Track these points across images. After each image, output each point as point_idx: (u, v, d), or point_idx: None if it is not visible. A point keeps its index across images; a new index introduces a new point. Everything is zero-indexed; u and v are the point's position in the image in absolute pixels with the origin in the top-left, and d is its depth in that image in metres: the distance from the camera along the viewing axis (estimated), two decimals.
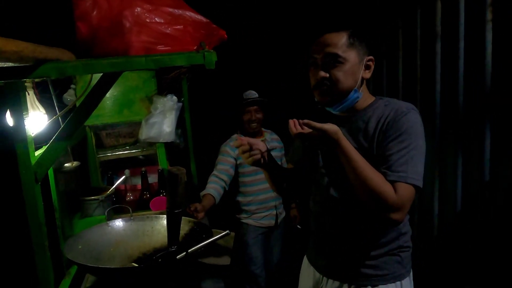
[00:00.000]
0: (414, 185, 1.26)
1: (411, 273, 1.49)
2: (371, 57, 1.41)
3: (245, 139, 1.44)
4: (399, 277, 1.44)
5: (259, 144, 1.47)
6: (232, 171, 2.67)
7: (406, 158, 1.27)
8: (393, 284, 1.43)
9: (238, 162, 2.70)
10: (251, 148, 1.44)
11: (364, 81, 1.43)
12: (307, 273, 1.61)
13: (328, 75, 1.35)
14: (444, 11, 2.15)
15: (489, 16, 1.85)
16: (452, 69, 2.09)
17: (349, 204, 1.41)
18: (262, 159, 1.46)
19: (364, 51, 1.39)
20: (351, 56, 1.35)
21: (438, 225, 2.25)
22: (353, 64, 1.36)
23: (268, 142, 2.80)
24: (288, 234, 2.98)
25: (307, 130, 1.28)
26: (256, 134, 2.76)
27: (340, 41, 1.35)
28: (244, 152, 1.44)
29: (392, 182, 1.25)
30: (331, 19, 3.06)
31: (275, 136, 2.91)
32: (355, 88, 1.38)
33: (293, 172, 1.67)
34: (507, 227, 1.80)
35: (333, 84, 1.36)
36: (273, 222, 2.80)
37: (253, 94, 2.78)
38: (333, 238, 1.48)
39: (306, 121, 1.27)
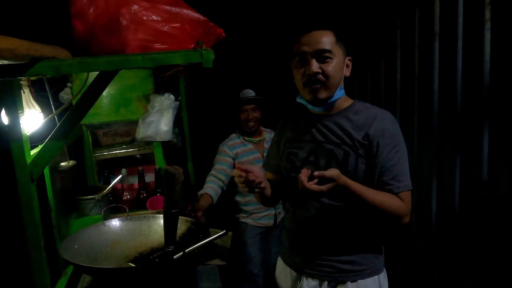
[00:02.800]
0: (410, 190, 1.41)
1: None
2: (350, 57, 1.48)
3: (243, 167, 1.38)
4: (377, 271, 1.48)
5: (255, 170, 1.40)
6: (230, 171, 2.65)
7: (404, 168, 1.39)
8: (371, 278, 1.47)
9: (236, 161, 2.69)
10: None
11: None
12: (284, 274, 1.61)
13: (321, 70, 1.38)
14: (442, 11, 2.15)
15: (487, 15, 1.85)
16: (450, 68, 2.08)
17: (328, 200, 1.45)
18: (259, 187, 1.40)
19: (345, 51, 1.45)
20: (339, 53, 1.41)
21: (436, 224, 2.25)
22: (340, 61, 1.41)
23: (267, 141, 2.79)
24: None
25: (316, 187, 1.25)
26: (254, 133, 2.75)
27: (329, 38, 1.39)
28: (241, 182, 1.39)
29: (397, 194, 1.37)
30: (319, 18, 3.05)
31: (272, 135, 2.88)
32: (340, 85, 1.44)
33: (279, 184, 1.65)
34: (505, 226, 1.80)
35: (326, 78, 1.39)
36: (271, 222, 2.78)
37: (250, 92, 2.75)
38: (310, 235, 1.50)
39: (318, 173, 1.25)
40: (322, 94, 1.40)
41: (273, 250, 2.85)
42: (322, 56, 1.38)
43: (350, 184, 1.30)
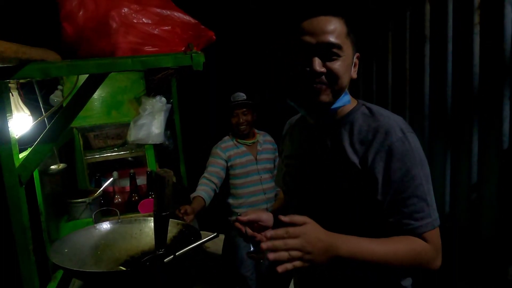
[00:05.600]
0: (438, 226, 1.07)
1: None
2: (358, 53, 1.15)
3: (245, 218, 1.21)
4: None
5: (262, 216, 1.23)
6: (222, 174, 2.66)
7: (425, 199, 1.05)
8: None
9: (229, 164, 2.70)
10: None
11: None
12: None
13: (325, 69, 1.05)
14: (432, 14, 2.17)
15: (476, 19, 1.87)
16: (440, 71, 2.10)
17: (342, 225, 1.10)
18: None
19: (355, 45, 1.13)
20: (349, 49, 1.09)
21: None
22: (349, 58, 1.10)
23: (261, 144, 2.80)
24: None
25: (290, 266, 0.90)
26: (247, 136, 2.75)
27: (339, 29, 1.06)
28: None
29: (420, 234, 1.03)
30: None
31: (269, 138, 2.88)
32: (346, 90, 1.13)
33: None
34: (494, 229, 1.82)
35: (333, 81, 1.06)
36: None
37: (241, 96, 2.74)
38: (317, 270, 1.23)
39: (285, 218, 0.93)
40: (325, 97, 1.07)
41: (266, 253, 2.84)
42: (329, 51, 1.05)
43: (340, 244, 0.96)
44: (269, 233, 0.92)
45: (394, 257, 1.00)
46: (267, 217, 1.25)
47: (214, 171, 2.63)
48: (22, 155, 1.32)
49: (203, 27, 1.37)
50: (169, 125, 2.67)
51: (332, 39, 1.04)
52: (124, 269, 1.50)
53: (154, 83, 2.44)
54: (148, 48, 1.25)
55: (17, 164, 1.24)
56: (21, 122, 1.53)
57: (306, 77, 1.05)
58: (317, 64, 1.04)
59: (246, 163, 2.72)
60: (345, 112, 1.16)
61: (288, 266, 0.88)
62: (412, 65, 2.35)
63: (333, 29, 1.05)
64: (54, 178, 1.96)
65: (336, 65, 1.05)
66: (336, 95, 1.09)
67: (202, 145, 2.87)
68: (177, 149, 3.06)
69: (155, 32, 1.25)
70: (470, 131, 1.91)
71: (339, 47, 1.05)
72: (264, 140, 2.84)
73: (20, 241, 1.26)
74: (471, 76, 1.89)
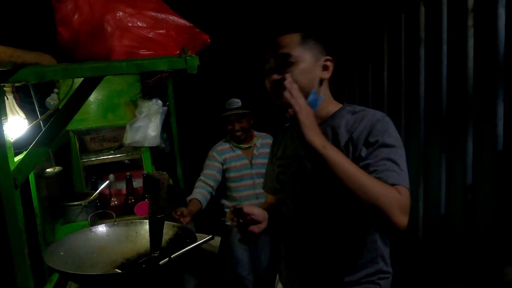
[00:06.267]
0: (408, 189, 1.13)
1: None
2: (329, 57, 1.30)
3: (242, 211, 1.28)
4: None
5: (255, 211, 1.29)
6: (218, 176, 2.67)
7: (398, 164, 1.14)
8: None
9: (224, 167, 2.70)
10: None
11: (326, 85, 1.33)
12: None
13: (281, 76, 1.21)
14: (427, 17, 2.18)
15: (470, 22, 1.88)
16: (435, 73, 2.11)
17: (320, 223, 1.30)
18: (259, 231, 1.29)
19: (320, 51, 1.29)
20: (305, 55, 1.25)
21: (423, 227, 2.27)
22: (308, 63, 1.25)
23: (257, 148, 2.78)
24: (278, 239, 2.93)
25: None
26: (244, 141, 2.75)
27: (291, 41, 1.26)
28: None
29: (392, 185, 1.11)
30: (284, 21, 3.05)
31: (267, 141, 2.78)
32: (314, 91, 1.26)
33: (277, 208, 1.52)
34: (489, 229, 1.82)
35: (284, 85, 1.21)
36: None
37: (235, 102, 2.69)
38: (304, 260, 1.36)
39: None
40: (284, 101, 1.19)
41: (262, 254, 2.83)
42: (283, 61, 1.24)
43: (327, 143, 1.09)
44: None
45: (366, 177, 1.08)
46: (258, 212, 1.30)
47: (210, 174, 2.64)
48: (17, 158, 1.32)
49: (198, 30, 1.37)
50: (165, 127, 2.67)
51: (284, 50, 1.25)
52: (120, 271, 1.50)
53: (149, 86, 2.44)
54: (143, 52, 1.25)
55: (12, 167, 1.24)
56: (16, 125, 1.53)
57: (270, 86, 1.27)
58: (273, 76, 1.25)
59: (241, 167, 2.72)
60: (330, 114, 1.31)
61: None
62: (407, 67, 2.36)
63: (286, 43, 1.26)
64: (50, 181, 1.95)
65: (290, 71, 1.22)
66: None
67: (199, 148, 2.86)
68: (174, 151, 3.06)
69: (150, 35, 1.26)
70: (465, 132, 1.92)
71: (290, 55, 1.24)
72: (262, 144, 2.81)
73: (15, 244, 1.26)
74: (465, 78, 1.91)
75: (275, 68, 1.26)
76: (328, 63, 1.29)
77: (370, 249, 1.29)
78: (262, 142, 2.81)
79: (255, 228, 1.28)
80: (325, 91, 1.32)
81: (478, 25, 1.85)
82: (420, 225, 2.27)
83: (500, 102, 1.74)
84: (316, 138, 1.08)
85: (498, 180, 1.78)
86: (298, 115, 1.09)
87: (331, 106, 1.33)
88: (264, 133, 2.85)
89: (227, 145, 2.75)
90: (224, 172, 2.70)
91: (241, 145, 2.75)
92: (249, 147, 2.77)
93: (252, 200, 2.71)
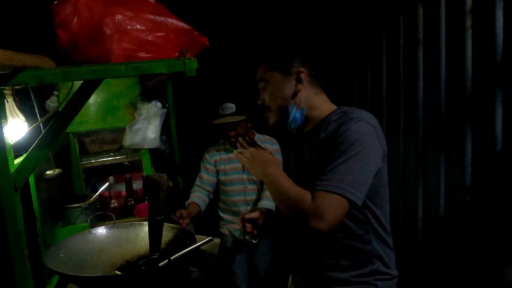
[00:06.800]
0: (338, 194, 1.15)
1: None
2: (299, 69, 1.36)
3: (247, 217, 1.54)
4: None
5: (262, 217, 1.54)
6: (213, 179, 2.61)
7: (333, 167, 1.19)
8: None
9: (216, 168, 2.63)
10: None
11: (310, 94, 1.39)
12: None
13: (261, 100, 1.42)
14: (425, 18, 2.19)
15: (468, 23, 1.89)
16: (434, 74, 2.12)
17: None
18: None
19: (288, 67, 1.37)
20: (273, 76, 1.39)
21: (423, 228, 2.27)
22: (276, 82, 1.38)
23: None
24: (277, 248, 2.77)
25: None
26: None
27: (262, 70, 1.42)
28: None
29: (313, 191, 1.18)
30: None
31: (267, 146, 2.58)
32: (291, 105, 1.36)
33: None
34: (488, 230, 1.83)
35: (268, 106, 1.41)
36: (244, 237, 2.61)
37: (229, 108, 2.48)
38: (304, 258, 1.44)
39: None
40: (271, 119, 1.42)
41: (259, 264, 2.72)
42: (260, 87, 1.43)
43: (270, 172, 1.30)
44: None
45: (288, 186, 1.24)
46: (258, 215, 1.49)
47: (205, 178, 2.60)
48: (17, 160, 1.33)
49: (196, 33, 1.38)
50: (165, 129, 2.68)
51: (257, 77, 1.43)
52: (119, 273, 1.51)
53: (148, 88, 2.44)
54: (142, 54, 1.26)
55: (12, 169, 1.25)
56: (16, 128, 1.53)
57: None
58: (258, 101, 1.44)
59: (231, 171, 2.60)
60: (323, 116, 1.37)
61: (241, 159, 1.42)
62: (406, 69, 2.37)
63: (259, 72, 1.43)
64: (50, 183, 1.96)
65: (265, 94, 1.41)
66: (276, 114, 1.40)
67: (199, 149, 2.85)
68: (173, 153, 3.07)
69: (149, 38, 1.27)
70: (464, 133, 1.93)
71: (262, 80, 1.41)
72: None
73: (15, 247, 1.26)
74: (464, 79, 1.91)
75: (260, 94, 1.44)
76: (301, 75, 1.36)
77: (365, 249, 1.31)
78: (262, 146, 2.68)
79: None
80: (307, 100, 1.38)
81: (476, 26, 1.85)
82: (419, 226, 2.28)
83: (498, 103, 1.75)
84: (257, 172, 1.35)
85: (496, 181, 1.78)
86: (244, 164, 1.40)
87: (324, 109, 1.39)
88: (267, 137, 2.67)
89: (221, 146, 2.65)
90: (217, 173, 2.63)
91: (235, 150, 2.61)
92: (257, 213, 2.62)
93: (242, 206, 2.60)
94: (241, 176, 2.59)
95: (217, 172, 2.62)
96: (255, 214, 1.53)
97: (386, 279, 1.33)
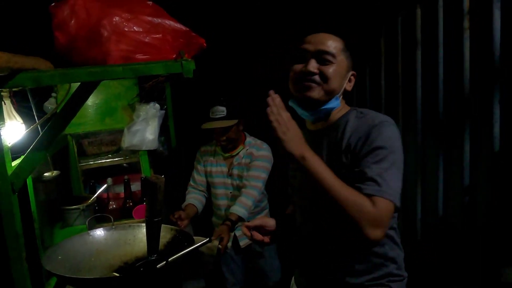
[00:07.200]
0: (391, 201, 1.12)
1: None
2: (354, 72, 1.35)
3: (252, 225, 1.44)
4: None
5: (268, 222, 1.46)
6: (204, 179, 2.60)
7: (379, 172, 1.13)
8: None
9: (205, 169, 2.59)
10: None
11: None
12: None
13: (319, 71, 1.25)
14: (424, 19, 2.19)
15: (466, 24, 1.89)
16: (432, 74, 2.12)
17: (324, 228, 1.30)
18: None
19: (350, 64, 1.33)
20: (343, 61, 1.29)
21: (422, 228, 2.27)
22: (343, 69, 1.29)
23: (239, 157, 2.51)
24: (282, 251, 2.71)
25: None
26: (231, 149, 2.52)
27: (335, 44, 1.28)
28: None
29: (368, 196, 1.11)
30: (329, 22, 3.00)
31: (252, 150, 2.50)
32: (337, 95, 1.29)
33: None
34: (487, 230, 1.83)
35: (324, 81, 1.25)
36: (230, 244, 2.47)
37: (219, 111, 2.39)
38: (314, 261, 1.38)
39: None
40: (315, 94, 1.25)
41: (266, 270, 2.63)
42: (323, 57, 1.25)
43: (308, 149, 1.14)
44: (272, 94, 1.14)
45: (340, 188, 1.10)
46: (272, 223, 1.40)
47: (197, 178, 2.60)
48: (15, 163, 1.33)
49: (194, 34, 1.38)
50: (163, 131, 2.67)
51: (327, 48, 1.26)
52: (117, 275, 1.50)
53: (145, 91, 2.44)
54: (140, 56, 1.26)
55: (9, 172, 1.24)
56: (14, 130, 1.53)
57: (302, 75, 1.26)
58: (311, 65, 1.25)
59: (216, 174, 2.54)
60: (338, 116, 1.32)
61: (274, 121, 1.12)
62: (404, 70, 2.37)
63: (331, 42, 1.27)
64: (48, 185, 1.96)
65: (329, 69, 1.25)
66: (327, 94, 1.26)
67: (197, 151, 2.85)
68: (172, 155, 3.06)
69: (146, 40, 1.27)
70: (462, 134, 1.93)
71: (333, 55, 1.26)
72: (246, 153, 2.50)
73: (13, 249, 1.26)
74: (462, 80, 1.92)
75: (312, 59, 1.26)
76: (353, 77, 1.34)
77: (378, 252, 1.28)
78: (247, 152, 2.51)
79: (266, 239, 1.43)
80: (342, 100, 1.34)
81: (474, 27, 1.86)
82: (418, 227, 2.28)
83: (496, 103, 1.75)
84: (295, 150, 1.12)
85: (495, 181, 1.78)
86: (276, 132, 1.12)
87: (340, 111, 1.34)
88: (258, 141, 2.56)
89: (212, 148, 2.59)
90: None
91: (222, 153, 2.54)
92: (231, 156, 2.52)
93: (227, 211, 2.47)
94: (225, 180, 2.54)
95: (205, 172, 2.59)
96: (259, 221, 1.44)
97: (398, 281, 1.32)
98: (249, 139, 2.57)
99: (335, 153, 1.25)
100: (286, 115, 1.14)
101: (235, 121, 2.41)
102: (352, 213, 1.08)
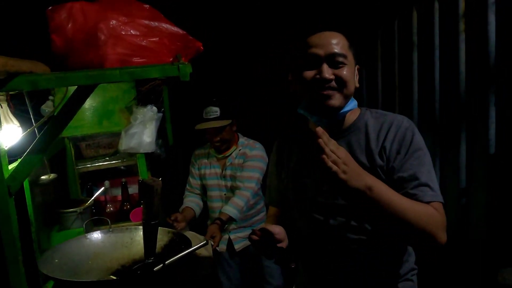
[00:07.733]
0: (442, 203, 1.14)
1: None
2: (358, 66, 1.28)
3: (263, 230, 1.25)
4: None
5: (275, 229, 1.25)
6: (199, 182, 2.60)
7: (431, 177, 1.14)
8: None
9: (199, 172, 2.59)
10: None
11: None
12: None
13: (334, 76, 1.18)
14: (420, 22, 2.21)
15: (462, 27, 1.90)
16: (428, 77, 2.13)
17: (355, 233, 1.24)
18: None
19: (355, 57, 1.26)
20: (352, 59, 1.23)
21: None
22: (353, 67, 1.24)
23: (232, 158, 2.50)
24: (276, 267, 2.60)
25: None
26: (224, 150, 2.52)
27: (343, 42, 1.21)
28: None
29: (428, 203, 1.11)
30: (329, 17, 2.98)
31: (245, 151, 2.50)
32: (352, 97, 1.24)
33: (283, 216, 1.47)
34: (484, 232, 1.84)
35: (342, 86, 1.19)
36: (224, 247, 2.52)
37: (213, 112, 2.40)
38: (336, 271, 1.29)
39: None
40: (336, 101, 1.18)
41: (270, 276, 2.60)
42: (335, 60, 1.18)
43: (369, 176, 1.06)
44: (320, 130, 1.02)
45: (411, 208, 1.07)
46: (279, 230, 1.25)
47: (192, 182, 2.60)
48: (11, 166, 1.33)
49: (191, 37, 1.38)
50: (161, 133, 2.67)
51: (337, 49, 1.19)
52: (115, 278, 1.50)
53: (141, 94, 2.44)
54: (136, 59, 1.26)
55: (6, 175, 1.25)
56: (11, 133, 1.53)
57: (317, 84, 1.18)
58: (326, 72, 1.17)
59: (210, 175, 2.54)
60: (352, 119, 1.27)
61: (332, 166, 1.00)
62: (400, 72, 2.38)
63: (338, 41, 1.20)
64: (45, 188, 1.95)
65: (343, 72, 1.19)
66: (346, 99, 1.21)
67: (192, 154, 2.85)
68: (169, 157, 3.06)
69: (143, 43, 1.27)
70: (458, 136, 1.94)
71: (344, 56, 1.19)
72: (239, 154, 2.50)
73: (10, 252, 1.26)
74: (458, 82, 1.93)
75: (324, 66, 1.18)
76: (357, 72, 1.28)
77: (401, 249, 1.30)
78: (240, 152, 2.50)
79: (283, 245, 1.25)
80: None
81: (470, 29, 1.87)
82: None
83: (492, 106, 1.76)
84: (359, 184, 1.03)
85: (491, 183, 1.79)
86: (338, 175, 1.01)
87: (352, 112, 1.28)
88: (251, 141, 2.56)
89: (206, 150, 2.59)
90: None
91: (216, 154, 2.55)
92: (224, 157, 2.52)
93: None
94: (220, 182, 2.53)
95: (200, 175, 2.59)
96: (271, 228, 1.26)
97: (416, 274, 1.35)
98: (242, 140, 2.57)
99: (365, 156, 1.20)
100: (341, 151, 1.04)
101: (228, 121, 2.41)
102: (424, 226, 1.07)
